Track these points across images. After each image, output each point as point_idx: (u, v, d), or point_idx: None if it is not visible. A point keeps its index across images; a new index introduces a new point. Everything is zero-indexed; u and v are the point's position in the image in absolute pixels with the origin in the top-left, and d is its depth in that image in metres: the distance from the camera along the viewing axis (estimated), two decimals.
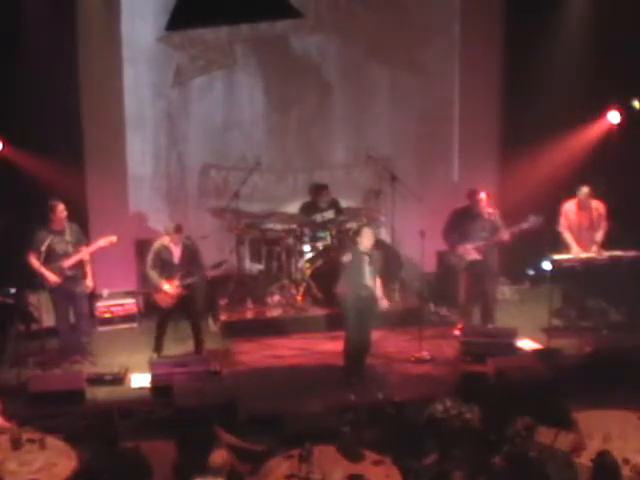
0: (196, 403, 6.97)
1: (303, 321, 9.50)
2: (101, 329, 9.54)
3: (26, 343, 8.46)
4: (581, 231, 9.32)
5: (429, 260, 9.71)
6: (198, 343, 8.70)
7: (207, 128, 10.28)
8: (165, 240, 8.52)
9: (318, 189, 10.18)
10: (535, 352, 8.62)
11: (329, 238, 9.87)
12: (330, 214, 10.08)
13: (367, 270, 7.96)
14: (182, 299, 8.51)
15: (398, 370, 8.42)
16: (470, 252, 9.02)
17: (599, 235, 9.29)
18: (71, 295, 8.53)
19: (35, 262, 8.30)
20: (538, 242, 9.19)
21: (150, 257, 8.50)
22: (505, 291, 10.30)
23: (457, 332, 9.06)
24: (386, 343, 8.97)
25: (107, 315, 9.65)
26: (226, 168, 10.38)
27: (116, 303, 9.68)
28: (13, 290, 8.36)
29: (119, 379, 8.11)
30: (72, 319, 8.67)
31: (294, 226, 9.96)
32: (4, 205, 8.79)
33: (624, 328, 9.16)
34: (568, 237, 9.31)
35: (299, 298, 9.77)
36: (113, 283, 9.50)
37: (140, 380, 8.09)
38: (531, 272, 10.26)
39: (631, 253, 9.04)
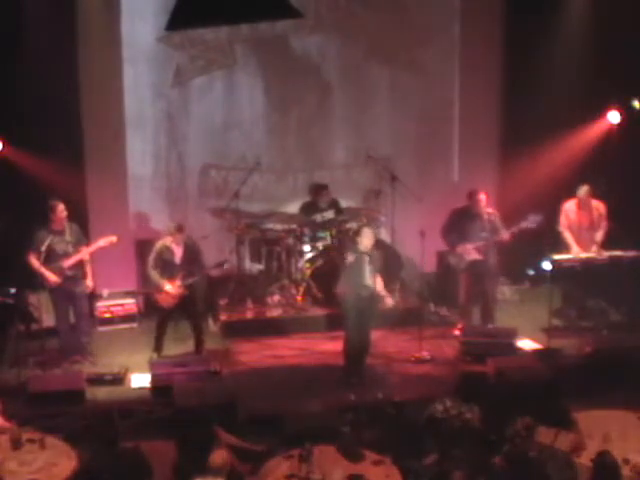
0: (196, 403, 6.96)
1: (303, 321, 9.49)
2: (101, 329, 9.54)
3: (26, 343, 8.45)
4: (581, 231, 9.32)
5: (429, 260, 9.70)
6: (198, 343, 8.70)
7: (207, 128, 10.28)
8: (167, 240, 8.52)
9: (318, 189, 10.17)
10: (535, 352, 8.62)
11: (329, 238, 9.86)
12: (330, 214, 10.07)
13: (367, 270, 7.95)
14: (183, 299, 8.51)
15: (398, 370, 8.41)
16: (470, 252, 9.02)
17: (599, 235, 9.29)
18: (71, 295, 8.52)
19: (35, 262, 8.29)
20: (538, 242, 9.20)
21: (152, 257, 8.49)
22: (505, 291, 10.30)
23: (457, 332, 9.06)
24: (386, 343, 8.97)
25: (107, 315, 9.65)
26: (226, 168, 10.38)
27: (116, 303, 9.68)
28: (13, 290, 8.35)
29: (119, 379, 8.11)
30: (72, 319, 8.67)
31: (294, 226, 9.95)
32: (4, 205, 8.80)
33: (624, 328, 9.15)
34: (568, 237, 9.31)
35: (299, 298, 9.76)
36: (113, 283, 9.49)
37: (140, 380, 8.09)
38: (531, 272, 10.27)
39: (631, 253, 9.03)
